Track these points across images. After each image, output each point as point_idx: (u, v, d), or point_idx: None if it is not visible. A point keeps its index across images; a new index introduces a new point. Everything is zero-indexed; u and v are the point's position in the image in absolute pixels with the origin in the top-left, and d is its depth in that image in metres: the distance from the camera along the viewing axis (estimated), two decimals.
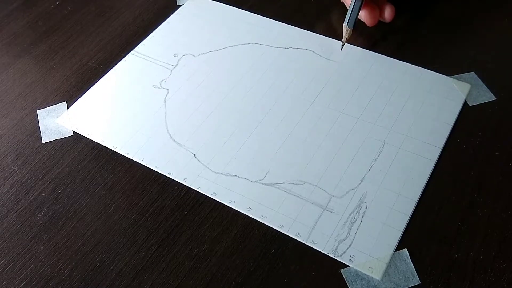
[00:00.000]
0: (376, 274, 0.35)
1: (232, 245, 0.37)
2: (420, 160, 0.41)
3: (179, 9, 0.56)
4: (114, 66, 0.51)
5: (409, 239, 0.37)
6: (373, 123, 0.44)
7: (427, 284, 0.35)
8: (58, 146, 0.45)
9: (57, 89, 0.50)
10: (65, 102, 0.48)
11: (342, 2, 0.52)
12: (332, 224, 0.38)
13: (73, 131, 0.46)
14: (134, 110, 0.47)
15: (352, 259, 0.36)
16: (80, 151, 0.44)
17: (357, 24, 0.49)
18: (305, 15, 0.54)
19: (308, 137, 0.43)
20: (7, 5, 0.60)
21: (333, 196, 0.39)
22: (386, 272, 0.35)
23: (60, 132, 0.46)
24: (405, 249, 0.36)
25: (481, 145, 0.42)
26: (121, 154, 0.43)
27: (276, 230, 0.38)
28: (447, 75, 0.47)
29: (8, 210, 0.41)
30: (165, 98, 0.47)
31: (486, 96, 0.45)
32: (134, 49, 0.52)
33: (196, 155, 0.43)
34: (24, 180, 0.43)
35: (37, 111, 0.48)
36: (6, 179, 0.43)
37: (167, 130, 0.45)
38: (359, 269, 0.35)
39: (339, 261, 0.36)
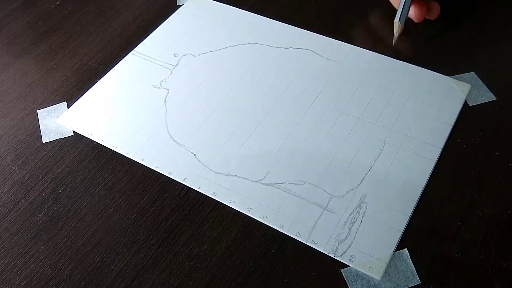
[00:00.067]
0: (376, 274, 0.35)
1: (232, 245, 0.37)
2: (420, 160, 0.41)
3: (179, 9, 0.56)
4: (114, 66, 0.51)
5: (409, 239, 0.37)
6: (373, 123, 0.44)
7: (427, 284, 0.35)
8: (58, 146, 0.45)
9: (57, 89, 0.50)
10: (65, 102, 0.48)
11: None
12: (332, 224, 0.38)
13: (73, 131, 0.46)
14: (134, 110, 0.47)
15: (352, 259, 0.36)
16: (80, 151, 0.44)
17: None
18: (305, 15, 0.54)
19: (308, 137, 0.43)
20: (7, 5, 0.60)
21: (333, 196, 0.39)
22: (386, 272, 0.35)
23: (60, 132, 0.46)
24: (405, 249, 0.36)
25: (481, 145, 0.42)
26: (121, 154, 0.43)
27: (276, 230, 0.38)
28: (447, 75, 0.47)
29: (8, 210, 0.41)
30: (165, 98, 0.47)
31: (486, 96, 0.45)
32: (134, 49, 0.52)
33: (196, 155, 0.43)
34: (24, 180, 0.43)
35: (37, 111, 0.48)
36: (7, 179, 0.43)
37: (167, 130, 0.45)
38: (359, 269, 0.35)
39: (339, 261, 0.36)
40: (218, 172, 0.41)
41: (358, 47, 0.50)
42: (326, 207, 0.39)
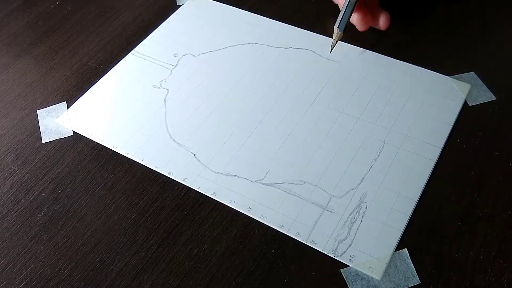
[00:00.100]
0: (376, 274, 0.35)
1: (232, 245, 0.37)
2: (420, 160, 0.41)
3: (179, 9, 0.56)
4: (114, 66, 0.51)
5: (409, 239, 0.37)
6: (373, 123, 0.44)
7: (427, 284, 0.35)
8: (58, 146, 0.45)
9: (57, 89, 0.50)
10: (65, 102, 0.48)
11: (336, 4, 0.52)
12: (332, 224, 0.38)
13: (73, 131, 0.46)
14: (134, 110, 0.47)
15: (352, 259, 0.36)
16: (80, 151, 0.44)
17: (355, 26, 0.49)
18: (305, 15, 0.54)
19: (308, 137, 0.43)
20: (7, 5, 0.60)
21: (333, 196, 0.39)
22: (386, 272, 0.35)
23: (60, 132, 0.46)
24: (405, 249, 0.36)
25: (481, 145, 0.42)
26: (121, 154, 0.43)
27: (276, 230, 0.38)
28: (447, 75, 0.47)
29: (8, 210, 0.41)
30: (165, 98, 0.47)
31: (486, 96, 0.45)
32: (134, 49, 0.52)
33: (196, 155, 0.43)
34: (24, 180, 0.43)
35: (37, 111, 0.48)
36: (6, 179, 0.43)
37: (167, 130, 0.45)
38: (359, 269, 0.35)
39: (339, 261, 0.36)
40: (218, 172, 0.41)
41: (358, 47, 0.50)
42: (326, 207, 0.39)
